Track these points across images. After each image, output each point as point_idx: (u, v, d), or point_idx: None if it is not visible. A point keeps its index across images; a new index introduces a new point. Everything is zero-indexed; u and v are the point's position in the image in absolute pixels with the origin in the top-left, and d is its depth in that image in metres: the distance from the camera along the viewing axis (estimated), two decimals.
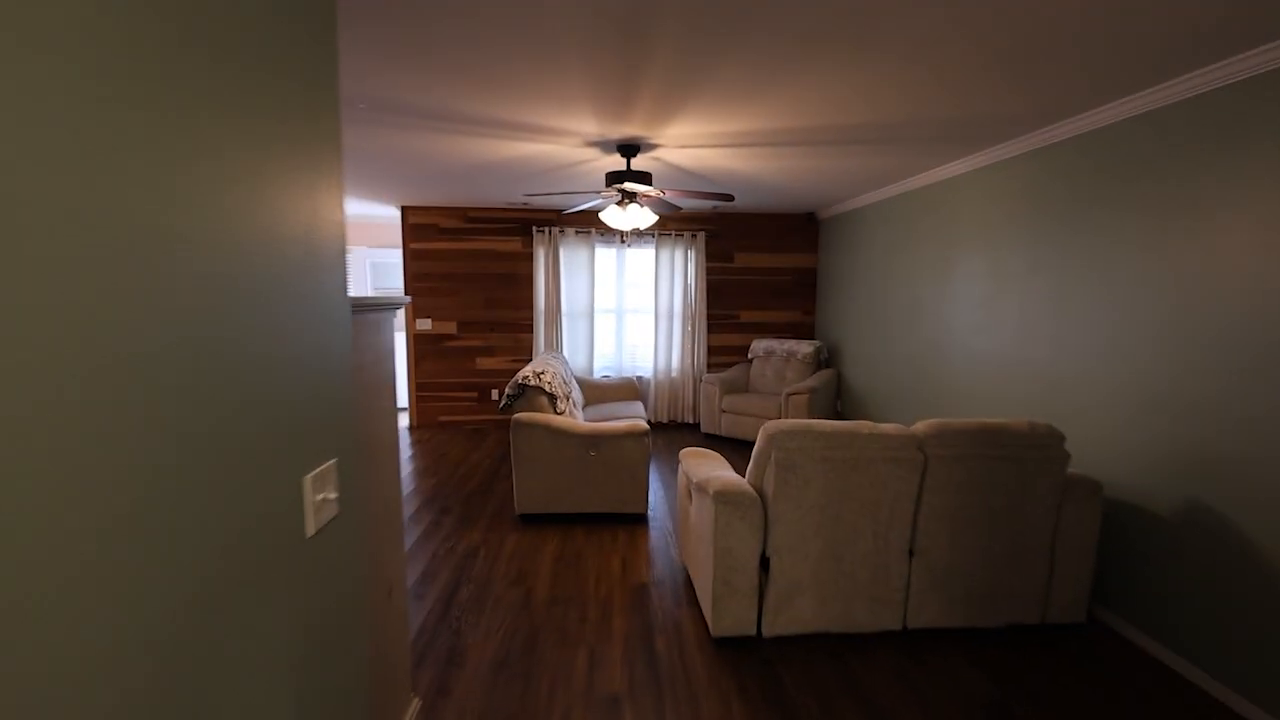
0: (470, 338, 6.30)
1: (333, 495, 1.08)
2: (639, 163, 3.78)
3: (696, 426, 6.25)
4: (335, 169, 1.07)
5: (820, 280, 6.28)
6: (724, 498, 2.37)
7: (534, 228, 6.07)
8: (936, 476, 2.36)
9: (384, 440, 1.68)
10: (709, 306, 6.34)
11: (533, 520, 3.80)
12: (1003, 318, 3.42)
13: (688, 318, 6.19)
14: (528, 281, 6.24)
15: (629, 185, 3.10)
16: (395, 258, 7.10)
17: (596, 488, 3.73)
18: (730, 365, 6.42)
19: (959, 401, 3.81)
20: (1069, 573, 2.49)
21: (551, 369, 4.10)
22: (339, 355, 1.11)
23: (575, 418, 4.25)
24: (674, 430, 6.12)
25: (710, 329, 6.37)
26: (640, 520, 3.82)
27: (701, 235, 6.13)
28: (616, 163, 3.79)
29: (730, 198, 3.50)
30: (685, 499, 2.95)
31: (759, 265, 6.35)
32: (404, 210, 6.12)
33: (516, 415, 3.70)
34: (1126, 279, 2.60)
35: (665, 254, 6.12)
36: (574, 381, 5.09)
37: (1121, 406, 2.62)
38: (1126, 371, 2.60)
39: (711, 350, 6.40)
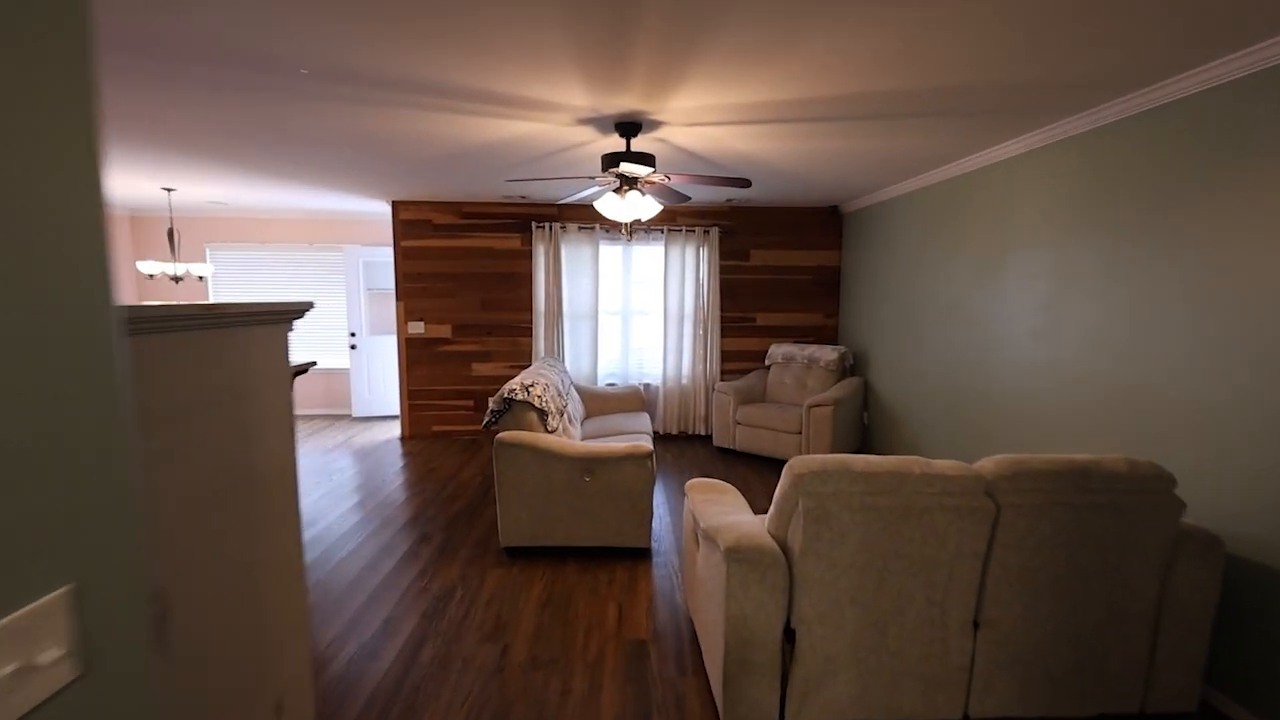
0: (466, 342, 5.87)
1: (57, 653, 0.62)
2: (641, 144, 3.30)
3: (709, 439, 5.75)
4: (74, 122, 0.61)
5: (844, 280, 5.74)
6: (738, 555, 1.88)
7: (533, 223, 5.62)
8: (1012, 530, 1.85)
9: (270, 496, 1.23)
10: (723, 308, 5.84)
11: (520, 554, 3.34)
12: (1067, 323, 2.88)
13: (699, 320, 5.70)
14: (527, 281, 5.79)
15: (626, 167, 2.63)
16: (390, 256, 6.70)
17: (592, 518, 3.25)
18: (746, 372, 5.91)
19: (1010, 420, 3.28)
20: (1178, 649, 1.96)
21: (544, 380, 3.64)
22: (86, 397, 0.64)
23: (571, 435, 3.78)
24: (684, 443, 5.63)
25: (724, 332, 5.87)
26: (642, 555, 3.34)
27: (714, 231, 5.64)
28: (616, 144, 3.32)
29: (746, 183, 3.01)
30: (691, 541, 2.47)
31: (777, 263, 5.83)
32: (395, 205, 5.71)
33: (500, 435, 3.24)
34: (1234, 277, 2.07)
35: (675, 251, 5.63)
36: (572, 392, 4.62)
37: (1223, 431, 2.09)
38: (1228, 388, 2.07)
39: (726, 356, 5.90)
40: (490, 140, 3.31)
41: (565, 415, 3.84)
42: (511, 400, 3.38)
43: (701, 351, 5.73)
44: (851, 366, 5.46)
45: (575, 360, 5.76)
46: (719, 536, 1.96)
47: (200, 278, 5.59)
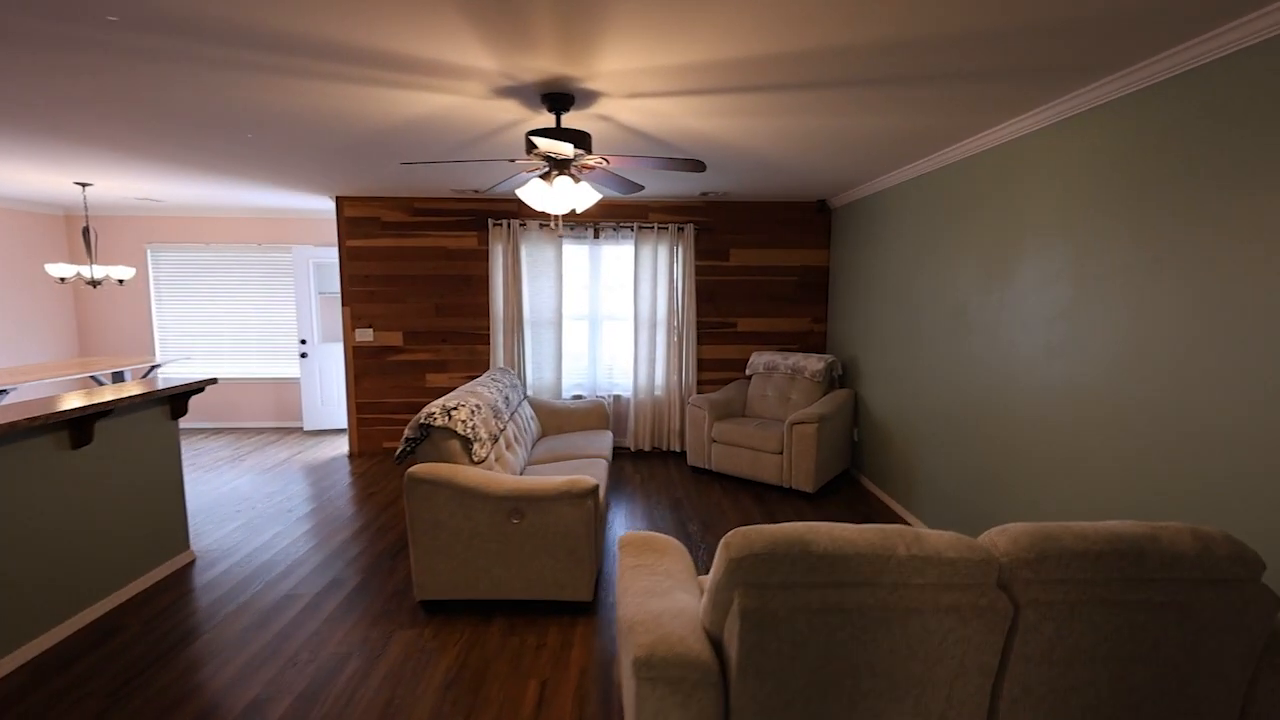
0: (418, 350, 5.35)
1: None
2: (578, 121, 2.77)
3: (684, 456, 5.23)
4: None
5: (833, 282, 5.21)
6: (652, 669, 1.35)
7: (490, 220, 5.09)
8: (1036, 637, 1.32)
9: None
10: (700, 313, 5.31)
11: (439, 609, 2.82)
12: (1092, 335, 2.35)
13: (673, 327, 5.17)
14: (484, 284, 5.26)
15: (544, 143, 2.09)
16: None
17: (523, 567, 2.73)
18: (726, 383, 5.38)
19: (1026, 451, 2.75)
20: None
21: (474, 401, 3.11)
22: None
23: (509, 463, 3.25)
24: (657, 461, 5.10)
25: (702, 339, 5.34)
26: (584, 610, 2.81)
27: (690, 228, 5.11)
28: (548, 122, 2.79)
29: (700, 165, 2.47)
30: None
31: (759, 263, 5.30)
32: (339, 201, 5.18)
33: (412, 469, 2.72)
34: None
35: (646, 250, 5.10)
36: (524, 409, 4.10)
37: None
38: None
39: (703, 365, 5.37)
40: (395, 120, 2.78)
41: (501, 441, 3.31)
42: (430, 426, 2.85)
43: (676, 361, 5.20)
44: (840, 377, 4.93)
45: (538, 370, 5.23)
46: (632, 636, 1.43)
47: (120, 281, 5.06)
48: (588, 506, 2.70)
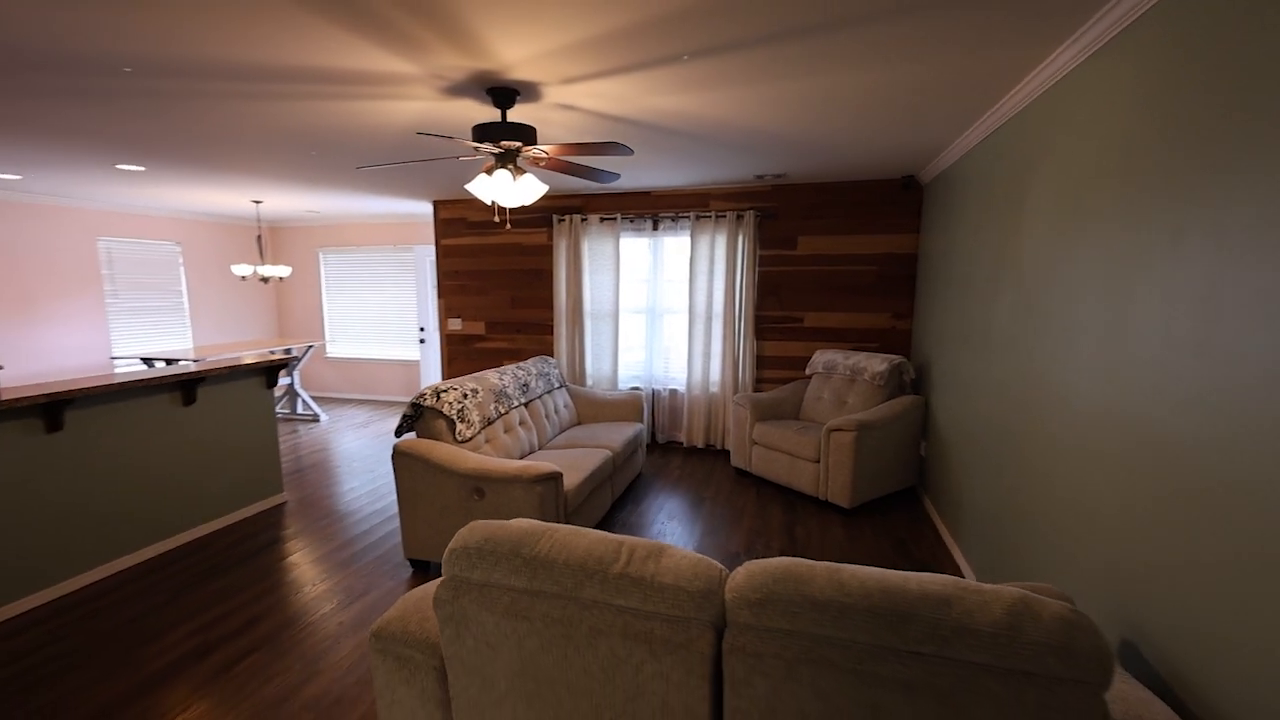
0: (498, 339, 5.81)
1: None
2: (539, 112, 2.81)
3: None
4: None
5: (921, 271, 4.55)
6: (379, 642, 1.40)
7: (555, 216, 5.33)
8: (749, 691, 1.11)
9: None
10: (761, 306, 5.00)
11: (423, 567, 3.12)
12: (1103, 335, 1.79)
13: (730, 321, 4.94)
14: (551, 278, 5.53)
15: (485, 138, 2.18)
16: None
17: None
18: (787, 382, 5.01)
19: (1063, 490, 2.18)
20: None
21: (471, 386, 3.34)
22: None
23: (505, 445, 3.44)
24: (706, 458, 4.94)
25: (763, 335, 5.03)
26: None
27: (750, 215, 4.83)
28: (531, 115, 2.87)
29: (625, 150, 2.37)
30: None
31: (831, 252, 4.83)
32: (435, 205, 5.83)
33: (397, 443, 3.02)
34: None
35: (703, 240, 4.94)
36: (557, 397, 4.27)
37: None
38: None
39: (766, 362, 5.05)
40: (400, 126, 3.07)
41: (500, 424, 3.50)
42: (421, 406, 3.13)
43: (731, 357, 4.96)
44: (913, 382, 4.31)
45: (596, 362, 5.37)
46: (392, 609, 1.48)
47: (281, 278, 6.25)
48: (537, 491, 2.77)
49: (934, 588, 1.05)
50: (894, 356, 4.18)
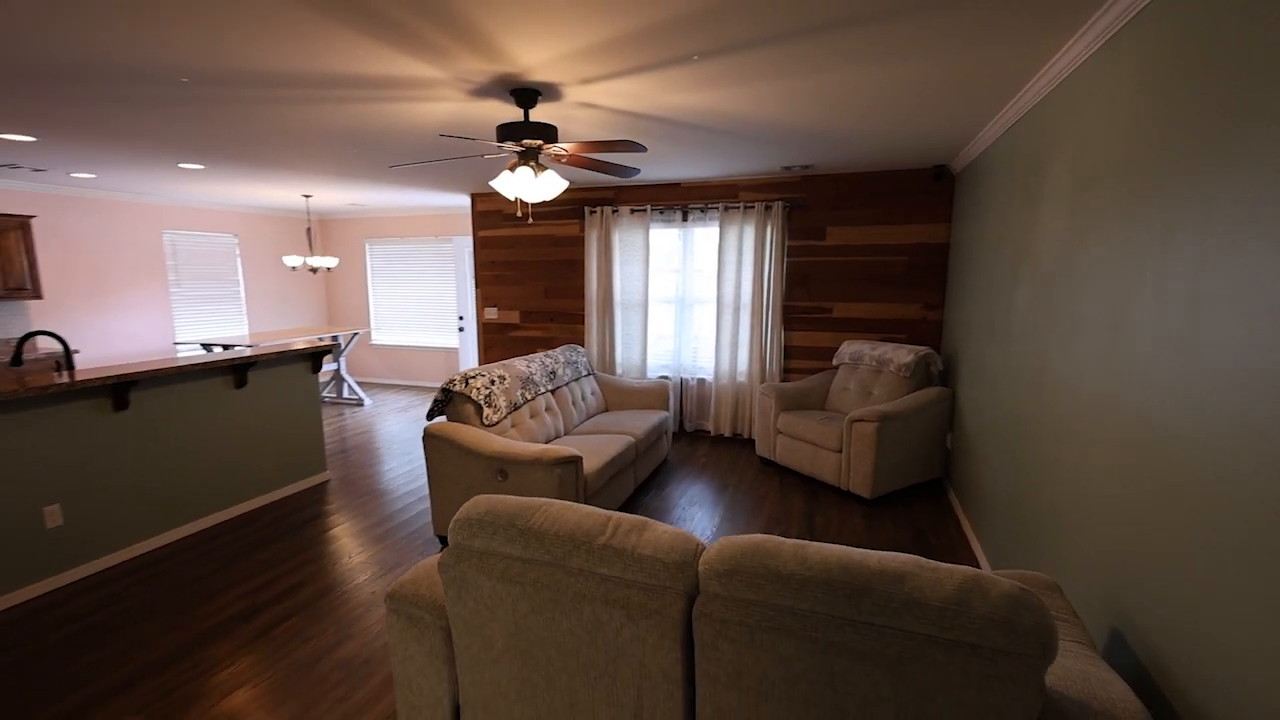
0: (532, 327, 5.98)
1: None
2: (561, 111, 2.90)
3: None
4: None
5: (952, 262, 4.46)
6: (394, 602, 1.54)
7: (586, 208, 5.44)
8: (716, 654, 1.19)
9: None
10: (789, 296, 4.99)
11: None
12: (1099, 340, 1.77)
13: (758, 311, 4.95)
14: (583, 268, 5.65)
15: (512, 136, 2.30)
16: None
17: None
18: (815, 372, 5.00)
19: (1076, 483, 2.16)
20: None
21: (499, 373, 3.50)
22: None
23: (531, 430, 3.58)
24: (733, 447, 4.99)
25: (791, 325, 5.03)
26: None
27: (778, 206, 4.82)
28: (548, 114, 2.97)
29: (638, 147, 2.44)
30: None
31: (860, 242, 4.78)
32: (473, 198, 6.02)
33: (427, 425, 3.20)
34: None
35: (731, 231, 4.96)
36: (584, 385, 4.39)
37: None
38: None
39: (794, 352, 5.05)
40: (432, 125, 3.22)
41: (526, 410, 3.65)
42: (450, 391, 3.30)
43: (759, 346, 4.98)
44: (941, 373, 4.24)
45: (626, 351, 5.47)
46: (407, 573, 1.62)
47: (328, 269, 6.56)
48: (557, 474, 2.89)
49: (892, 565, 1.10)
50: (921, 348, 4.13)
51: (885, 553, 1.17)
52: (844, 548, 1.18)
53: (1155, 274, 1.48)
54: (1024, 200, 2.66)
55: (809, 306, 4.97)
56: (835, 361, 4.63)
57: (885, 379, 4.21)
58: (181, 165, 4.44)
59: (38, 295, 5.12)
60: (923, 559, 1.13)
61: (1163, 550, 1.38)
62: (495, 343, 6.17)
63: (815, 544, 1.20)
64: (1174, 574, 1.32)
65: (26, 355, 5.01)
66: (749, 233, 4.92)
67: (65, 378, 2.85)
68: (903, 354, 4.14)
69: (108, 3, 1.79)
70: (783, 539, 1.23)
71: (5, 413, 2.63)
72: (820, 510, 3.72)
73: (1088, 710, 1.04)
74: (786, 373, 5.09)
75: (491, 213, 5.95)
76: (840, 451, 3.87)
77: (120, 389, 3.02)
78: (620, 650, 1.26)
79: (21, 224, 5.00)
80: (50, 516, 2.80)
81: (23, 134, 3.45)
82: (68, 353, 3.19)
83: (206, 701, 2.09)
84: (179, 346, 6.53)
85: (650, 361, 5.49)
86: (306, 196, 6.23)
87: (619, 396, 4.61)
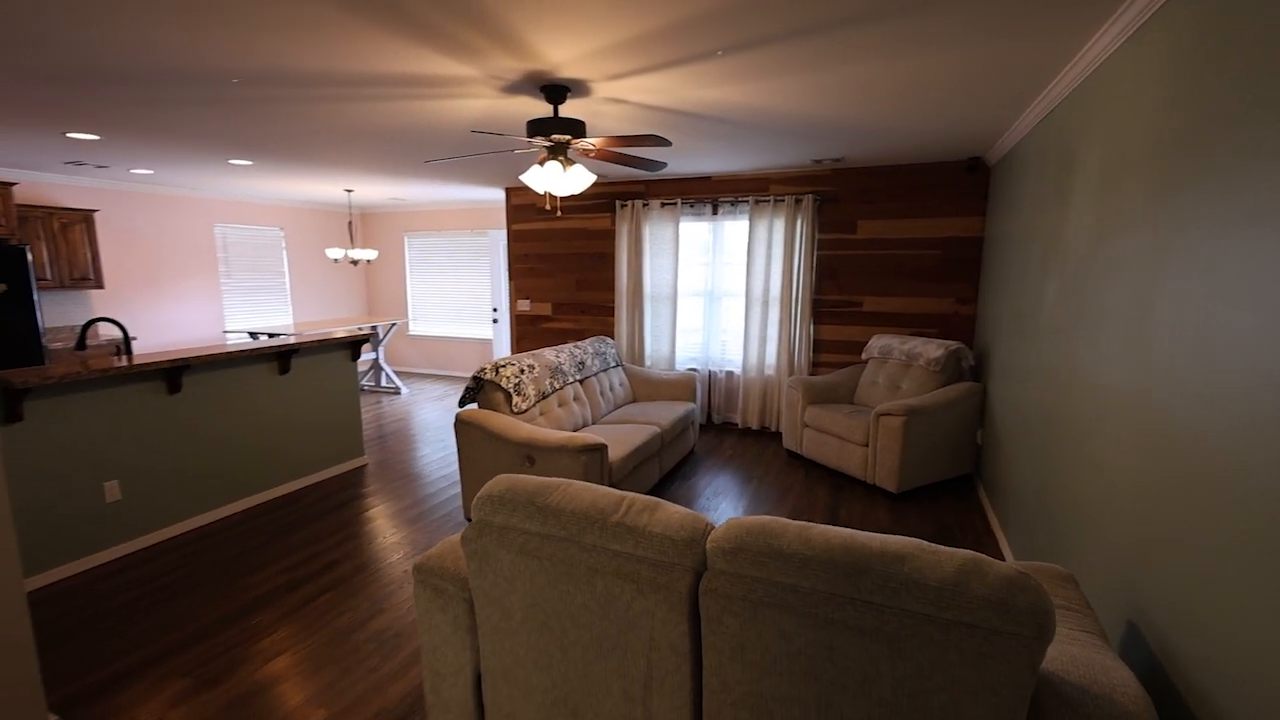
0: (564, 320, 6.08)
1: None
2: (591, 107, 2.95)
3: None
4: None
5: (986, 256, 4.36)
6: (420, 574, 1.63)
7: (617, 202, 5.49)
8: (721, 628, 1.23)
9: None
10: (819, 290, 4.96)
11: None
12: (1108, 337, 1.73)
13: (787, 304, 4.93)
14: (613, 261, 5.71)
15: (538, 132, 2.38)
16: None
17: None
18: (844, 366, 4.96)
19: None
20: None
21: (528, 362, 3.59)
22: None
23: (559, 418, 3.67)
24: (761, 440, 4.99)
25: (821, 318, 4.99)
26: None
27: (809, 199, 4.78)
28: (574, 110, 3.03)
29: (663, 141, 2.47)
30: None
31: (892, 236, 4.71)
32: (507, 192, 6.14)
33: (459, 412, 3.31)
34: None
35: (761, 224, 4.94)
36: (613, 375, 4.46)
37: None
38: None
39: (823, 346, 5.02)
40: (465, 121, 3.31)
41: (554, 398, 3.73)
42: (481, 379, 3.41)
43: (787, 340, 4.96)
44: (972, 368, 4.16)
45: (655, 343, 5.52)
46: (434, 547, 1.71)
47: (368, 261, 6.78)
48: (582, 460, 2.97)
49: (894, 546, 1.13)
50: (951, 342, 4.06)
51: (888, 535, 1.19)
52: (849, 530, 1.21)
53: (1176, 270, 1.45)
54: (1055, 194, 2.61)
55: (839, 300, 4.93)
56: (864, 355, 4.58)
57: (914, 373, 4.15)
58: (231, 161, 4.66)
59: (99, 285, 5.46)
60: (924, 542, 1.15)
61: (1178, 544, 1.36)
62: (527, 334, 6.29)
63: (820, 526, 1.23)
64: (1188, 568, 1.31)
65: (89, 341, 5.34)
66: (779, 226, 4.90)
67: (124, 362, 3.06)
68: (932, 348, 4.08)
69: (169, 7, 1.92)
70: (789, 520, 1.26)
71: (70, 393, 2.84)
72: (845, 503, 3.70)
73: (1088, 694, 1.05)
74: (816, 366, 5.06)
75: (525, 206, 6.07)
76: (866, 445, 3.85)
77: (174, 373, 3.22)
78: (631, 623, 1.32)
79: (85, 217, 5.33)
80: (110, 491, 3.01)
81: (88, 133, 3.68)
82: (126, 339, 3.41)
83: (250, 665, 2.23)
84: (228, 334, 6.86)
85: (679, 354, 5.53)
86: (348, 191, 6.45)
87: (647, 388, 4.66)
